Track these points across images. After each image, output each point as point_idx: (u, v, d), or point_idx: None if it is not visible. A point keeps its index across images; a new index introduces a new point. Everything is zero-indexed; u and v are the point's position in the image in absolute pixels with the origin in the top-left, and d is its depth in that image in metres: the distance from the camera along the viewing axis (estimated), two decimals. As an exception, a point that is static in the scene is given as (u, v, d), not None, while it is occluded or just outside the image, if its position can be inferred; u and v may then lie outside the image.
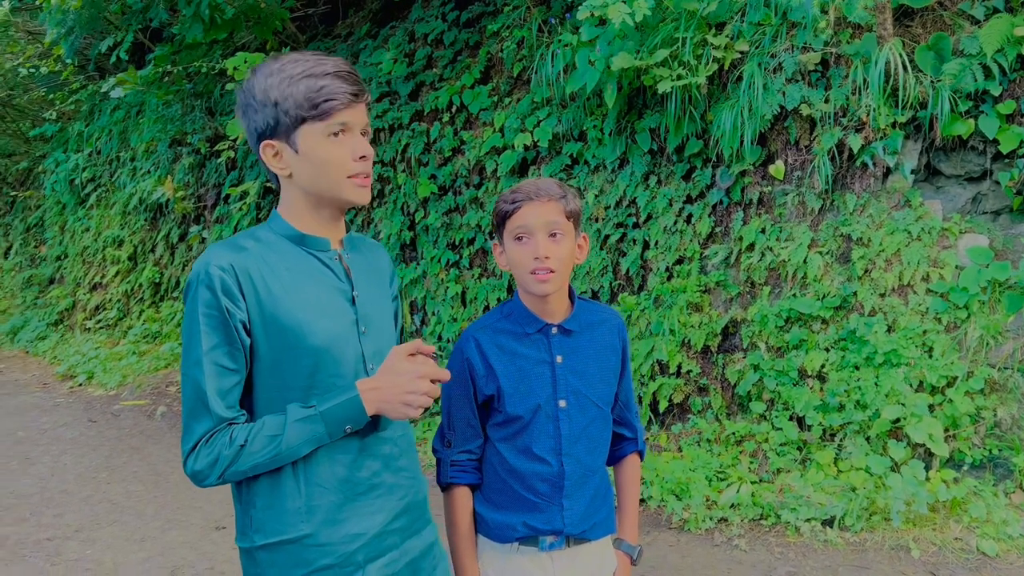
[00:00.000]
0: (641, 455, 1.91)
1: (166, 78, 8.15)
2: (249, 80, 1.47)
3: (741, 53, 4.56)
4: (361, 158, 1.47)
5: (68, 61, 9.68)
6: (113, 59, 7.69)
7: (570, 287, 1.76)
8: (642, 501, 4.35)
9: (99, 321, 9.39)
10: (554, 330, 1.72)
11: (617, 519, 1.86)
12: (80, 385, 7.92)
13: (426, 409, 1.53)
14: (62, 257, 10.81)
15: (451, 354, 1.74)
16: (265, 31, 7.40)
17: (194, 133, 8.19)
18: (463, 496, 1.74)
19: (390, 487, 1.54)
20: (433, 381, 1.47)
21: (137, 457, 5.69)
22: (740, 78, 4.54)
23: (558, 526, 1.70)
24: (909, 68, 4.13)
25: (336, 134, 1.44)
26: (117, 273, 9.39)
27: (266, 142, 1.47)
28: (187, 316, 1.43)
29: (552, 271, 1.64)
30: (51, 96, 10.94)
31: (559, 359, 1.71)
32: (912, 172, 4.33)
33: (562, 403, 1.70)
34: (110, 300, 9.44)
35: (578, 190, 5.40)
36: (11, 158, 12.48)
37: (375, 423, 1.51)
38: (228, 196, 7.79)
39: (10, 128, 12.16)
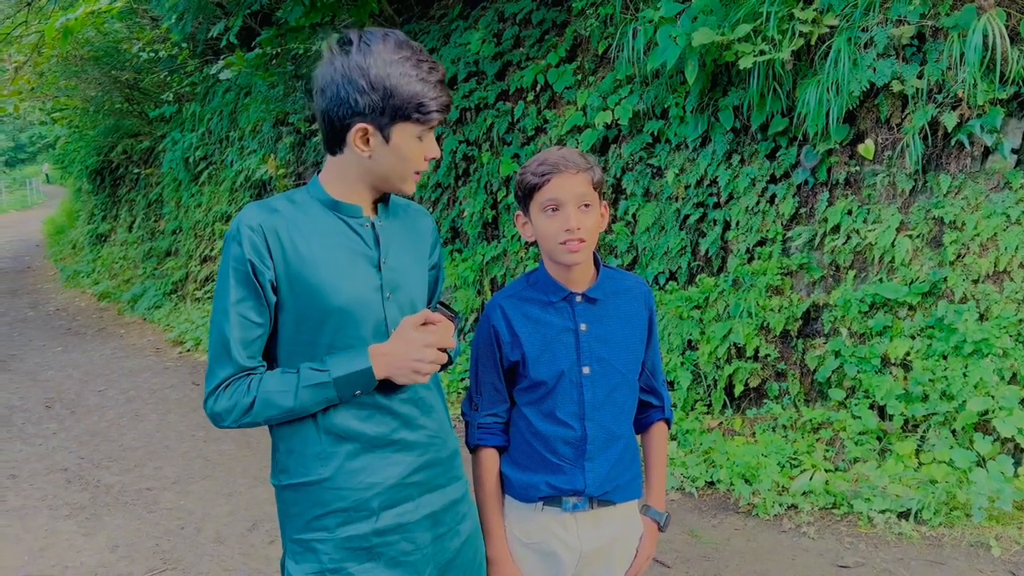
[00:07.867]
0: (668, 423, 1.92)
1: (273, 61, 8.51)
2: (364, 56, 1.46)
3: (830, 28, 4.39)
4: (427, 159, 1.58)
5: (183, 45, 10.23)
6: (224, 43, 8.09)
7: (595, 255, 1.78)
8: (711, 484, 4.30)
9: (207, 292, 9.96)
10: (578, 298, 1.75)
11: (644, 486, 1.88)
12: (188, 351, 8.44)
13: (444, 366, 1.59)
14: (177, 231, 11.50)
15: (479, 321, 1.80)
16: (362, 14, 7.60)
17: (295, 113, 8.53)
18: (490, 457, 1.80)
19: (409, 444, 1.61)
20: (442, 349, 1.55)
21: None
22: (828, 53, 4.37)
23: (579, 487, 1.74)
24: (1012, 41, 3.88)
25: (422, 136, 1.54)
26: (225, 247, 9.91)
27: (361, 124, 1.49)
28: (220, 268, 1.53)
29: (583, 241, 1.67)
30: (168, 79, 11.59)
31: (583, 327, 1.74)
32: (1015, 152, 4.07)
33: (586, 370, 1.73)
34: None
35: (658, 168, 5.33)
36: (136, 138, 13.29)
37: (392, 385, 1.58)
38: (325, 174, 8.07)
39: (135, 110, 12.94)
